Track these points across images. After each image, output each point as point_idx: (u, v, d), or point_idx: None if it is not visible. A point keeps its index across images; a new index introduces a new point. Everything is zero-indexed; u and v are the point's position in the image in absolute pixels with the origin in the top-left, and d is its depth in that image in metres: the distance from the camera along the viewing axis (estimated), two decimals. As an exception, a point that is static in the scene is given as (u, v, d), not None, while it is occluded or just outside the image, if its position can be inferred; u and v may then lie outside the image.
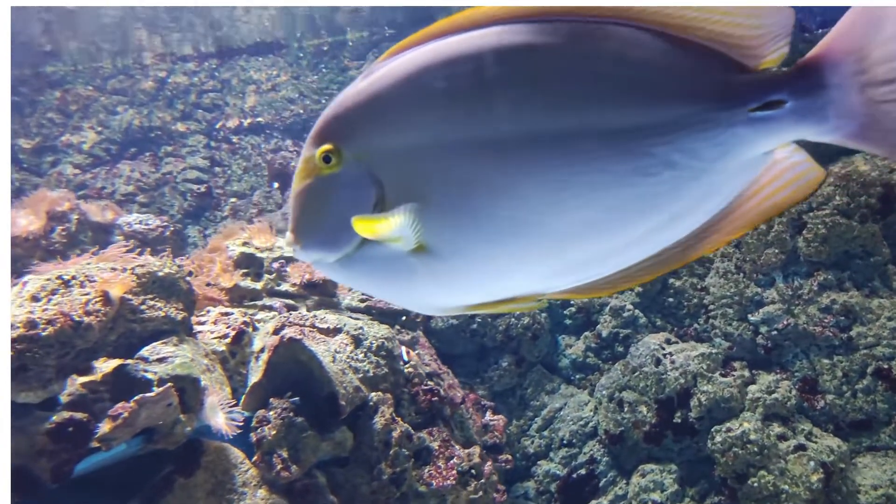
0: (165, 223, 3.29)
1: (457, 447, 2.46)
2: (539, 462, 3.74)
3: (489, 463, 2.74)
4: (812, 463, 3.20)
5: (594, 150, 0.78)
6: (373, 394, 2.29)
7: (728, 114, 0.78)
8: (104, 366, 1.99)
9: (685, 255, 0.86)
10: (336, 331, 2.36)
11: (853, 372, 3.32)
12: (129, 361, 2.01)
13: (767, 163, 0.82)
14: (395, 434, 2.25)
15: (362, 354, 2.37)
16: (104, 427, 1.73)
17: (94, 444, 1.72)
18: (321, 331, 2.32)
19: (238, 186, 4.45)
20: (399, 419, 2.32)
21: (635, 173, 0.79)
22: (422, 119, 0.85)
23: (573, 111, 0.79)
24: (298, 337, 2.11)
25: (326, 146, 0.89)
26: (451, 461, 2.40)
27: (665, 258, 0.86)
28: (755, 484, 3.20)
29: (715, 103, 0.78)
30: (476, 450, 2.66)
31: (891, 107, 0.76)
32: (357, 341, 2.36)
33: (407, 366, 2.56)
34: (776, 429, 3.33)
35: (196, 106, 4.62)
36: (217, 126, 4.60)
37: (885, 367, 3.25)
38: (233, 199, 4.31)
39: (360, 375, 2.31)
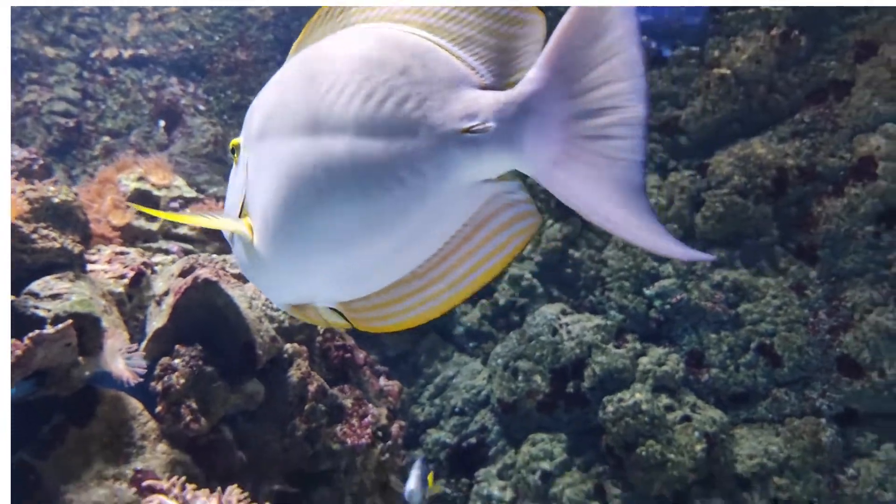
0: (34, 155, 2.88)
1: (370, 405, 2.32)
2: (429, 430, 3.66)
3: (396, 425, 2.61)
4: (696, 433, 3.31)
5: (347, 156, 0.76)
6: (288, 345, 2.10)
7: (444, 132, 0.73)
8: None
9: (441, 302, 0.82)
10: (249, 276, 2.13)
11: (738, 347, 3.46)
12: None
13: (489, 195, 0.76)
14: (311, 388, 2.08)
15: (278, 303, 2.17)
16: (-10, 366, 1.45)
17: (-22, 386, 1.44)
18: (233, 276, 2.10)
19: (113, 124, 4.00)
20: (314, 373, 2.14)
21: (376, 186, 0.76)
22: (269, 117, 0.86)
23: (328, 114, 0.78)
24: (215, 279, 1.89)
25: (235, 139, 0.94)
26: (366, 419, 2.25)
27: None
28: (643, 453, 3.27)
29: (437, 120, 0.74)
30: (384, 410, 2.53)
31: (591, 146, 0.68)
32: (272, 288, 2.15)
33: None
34: (664, 400, 3.42)
35: (69, 30, 4.10)
36: (92, 55, 4.09)
37: (767, 342, 3.41)
38: (106, 138, 3.88)
39: (276, 325, 2.11)
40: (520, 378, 3.51)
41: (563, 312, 3.62)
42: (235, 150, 0.94)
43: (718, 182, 3.46)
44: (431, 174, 0.74)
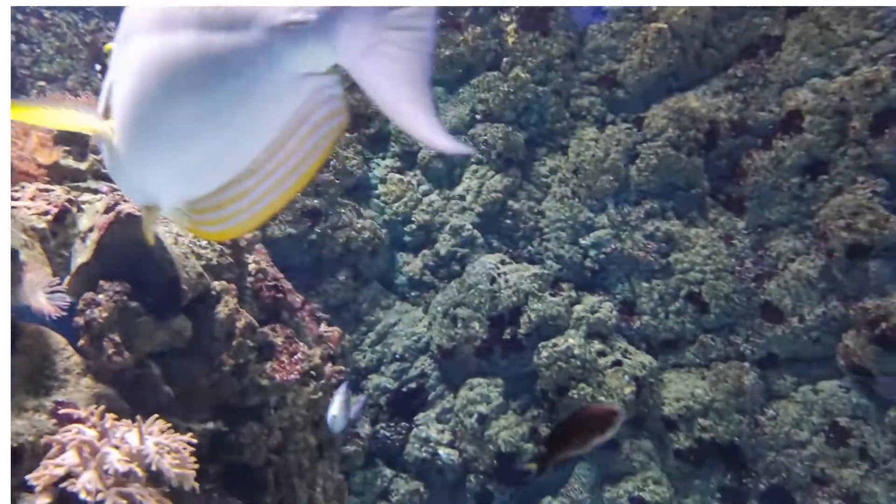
0: (-38, 96, 2.82)
1: (301, 344, 2.37)
2: (370, 376, 3.73)
3: (329, 365, 2.67)
4: (626, 377, 3.44)
5: (190, 50, 0.80)
6: (216, 282, 2.14)
7: (272, 25, 0.77)
8: None
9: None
10: (176, 216, 2.15)
11: (668, 295, 3.58)
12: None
13: (312, 88, 0.80)
14: (238, 325, 2.12)
15: (206, 241, 2.20)
16: None
17: None
18: (160, 214, 2.11)
19: (49, 69, 3.93)
20: (242, 310, 2.18)
21: (214, 77, 0.80)
22: (132, 19, 0.89)
23: (178, 11, 0.81)
24: (138, 213, 1.90)
25: (108, 45, 0.97)
26: (296, 356, 2.31)
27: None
28: (575, 396, 3.38)
29: (267, 13, 0.77)
30: (317, 351, 2.58)
31: (392, 37, 0.73)
32: (200, 229, 2.17)
33: (252, 260, 2.41)
34: (597, 346, 3.53)
35: (0, -30, 4.00)
36: (26, -4, 4.03)
37: (696, 290, 3.53)
38: (41, 83, 3.81)
39: (204, 262, 2.14)
40: (458, 325, 3.59)
41: (502, 262, 3.69)
42: (108, 55, 0.97)
43: (653, 135, 3.54)
44: (262, 65, 0.78)
